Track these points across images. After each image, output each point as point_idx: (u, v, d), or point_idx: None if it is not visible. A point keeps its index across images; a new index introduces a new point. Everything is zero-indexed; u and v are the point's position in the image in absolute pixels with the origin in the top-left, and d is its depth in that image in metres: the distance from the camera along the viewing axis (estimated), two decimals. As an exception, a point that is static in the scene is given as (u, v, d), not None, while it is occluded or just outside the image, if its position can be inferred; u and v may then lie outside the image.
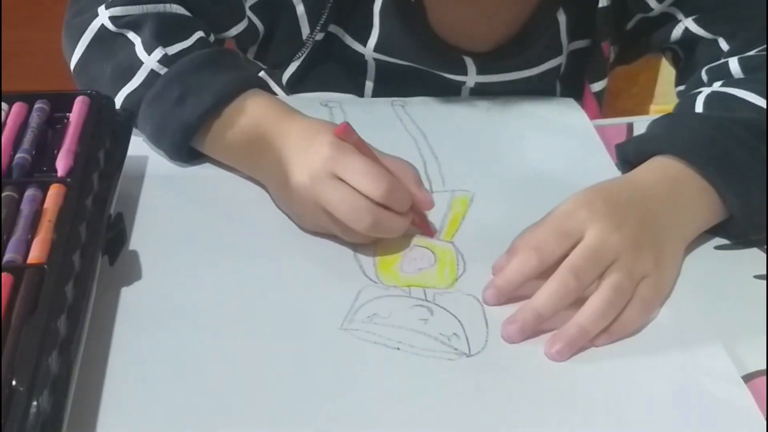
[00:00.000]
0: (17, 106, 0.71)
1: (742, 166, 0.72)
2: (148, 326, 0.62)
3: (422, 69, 0.89)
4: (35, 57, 1.58)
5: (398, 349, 0.62)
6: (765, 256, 0.72)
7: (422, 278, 0.68)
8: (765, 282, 0.69)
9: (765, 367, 0.62)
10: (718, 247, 0.72)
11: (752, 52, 0.83)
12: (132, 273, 0.66)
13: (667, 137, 0.74)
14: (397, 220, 0.68)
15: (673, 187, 0.71)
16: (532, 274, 0.64)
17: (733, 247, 0.73)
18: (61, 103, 0.72)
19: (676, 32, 0.88)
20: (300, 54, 0.90)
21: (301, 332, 0.62)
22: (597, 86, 0.92)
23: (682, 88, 0.88)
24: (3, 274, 0.56)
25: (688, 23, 0.87)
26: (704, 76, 0.85)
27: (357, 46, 0.89)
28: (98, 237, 0.62)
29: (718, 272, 0.70)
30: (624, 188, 0.70)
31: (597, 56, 0.91)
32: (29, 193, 0.63)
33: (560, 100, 0.92)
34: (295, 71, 0.91)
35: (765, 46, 0.84)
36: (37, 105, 0.71)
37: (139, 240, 0.69)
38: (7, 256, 0.58)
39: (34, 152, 0.67)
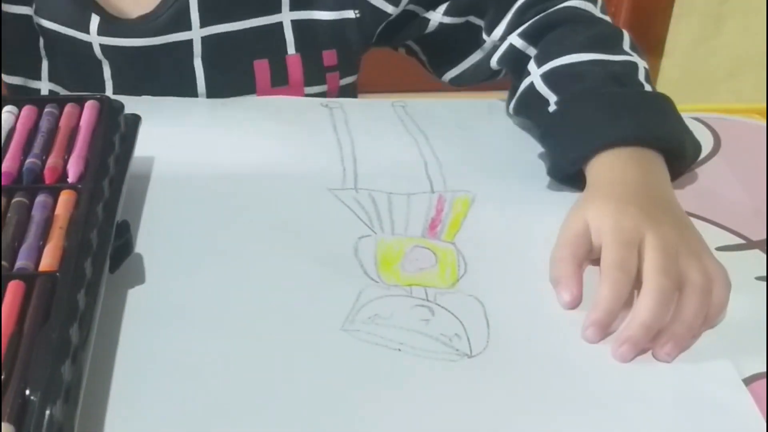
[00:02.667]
0: (27, 110, 0.72)
1: (643, 114, 0.76)
2: (153, 329, 0.63)
3: (61, 33, 0.89)
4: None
5: (399, 350, 0.62)
6: (766, 257, 0.72)
7: (423, 278, 0.68)
8: (765, 283, 0.70)
9: (765, 370, 0.62)
10: (718, 248, 0.72)
11: (524, 25, 0.86)
12: (137, 276, 0.67)
13: (586, 139, 0.75)
14: None
15: (633, 168, 0.73)
16: (625, 293, 0.64)
17: (735, 248, 0.73)
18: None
19: (431, 27, 0.91)
20: None
21: (303, 333, 0.63)
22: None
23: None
24: (15, 282, 0.56)
25: (438, 18, 0.90)
26: (496, 66, 0.89)
27: (23, 9, 0.90)
28: (107, 244, 0.62)
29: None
30: (624, 189, 0.71)
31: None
32: (40, 199, 0.64)
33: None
34: None
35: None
36: (47, 109, 0.72)
37: (144, 243, 0.69)
38: (19, 263, 0.59)
39: (44, 157, 0.67)
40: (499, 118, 0.88)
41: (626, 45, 0.83)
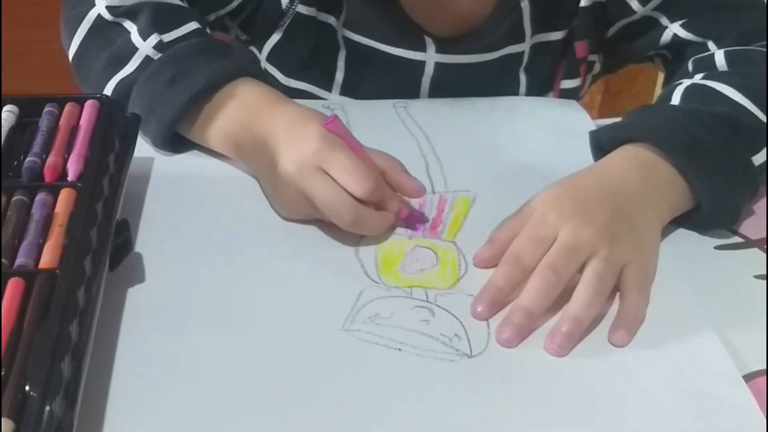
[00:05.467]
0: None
1: (712, 157, 0.73)
2: (153, 328, 0.63)
3: (385, 51, 0.90)
4: (35, 57, 1.58)
5: (399, 350, 0.62)
6: (765, 256, 0.72)
7: (424, 279, 0.68)
8: (765, 282, 0.70)
9: (765, 367, 0.62)
10: (718, 247, 0.73)
11: (739, 48, 0.84)
12: (136, 274, 0.67)
13: (640, 125, 0.76)
14: (378, 218, 0.70)
15: (643, 172, 0.73)
16: (517, 279, 0.66)
17: (734, 247, 0.73)
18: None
19: (665, 37, 0.89)
20: (282, 23, 0.90)
21: (303, 333, 0.63)
22: (567, 84, 0.94)
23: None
24: (15, 279, 0.56)
25: (675, 28, 0.88)
26: (690, 66, 0.86)
27: (330, 19, 0.90)
28: (107, 242, 0.63)
29: (718, 272, 0.71)
30: (593, 181, 0.72)
31: (569, 53, 0.92)
32: (40, 197, 0.64)
33: (562, 101, 0.93)
34: (277, 42, 0.92)
35: (753, 44, 0.84)
36: (47, 108, 0.72)
37: (144, 242, 0.69)
38: (19, 261, 0.59)
39: (44, 156, 0.67)
40: (500, 118, 0.88)
41: None
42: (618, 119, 0.82)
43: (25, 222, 0.62)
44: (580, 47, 0.93)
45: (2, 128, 0.69)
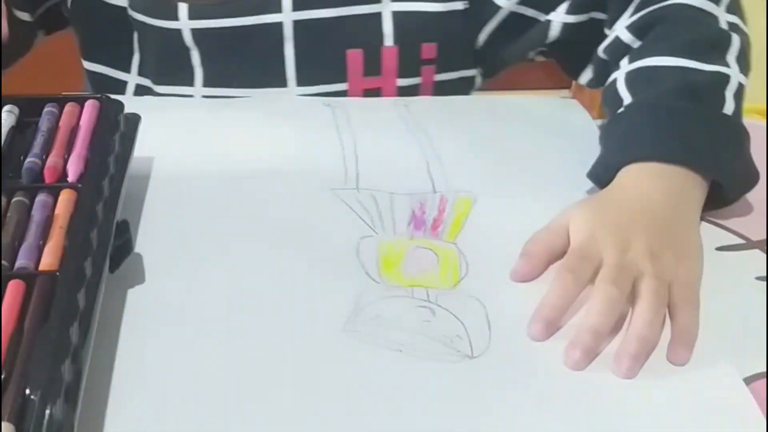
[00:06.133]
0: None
1: (696, 135, 0.74)
2: (153, 328, 0.63)
3: (149, 24, 0.89)
4: (36, 57, 1.58)
5: (400, 351, 0.62)
6: (765, 257, 0.72)
7: (425, 279, 0.68)
8: (765, 284, 0.70)
9: (765, 370, 0.62)
10: (719, 249, 0.73)
11: (638, 16, 0.83)
12: (137, 275, 0.67)
13: (625, 148, 0.75)
14: None
15: (658, 184, 0.72)
16: (572, 294, 0.65)
17: (735, 248, 0.73)
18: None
19: (553, 32, 0.89)
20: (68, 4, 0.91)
21: (304, 334, 0.63)
22: (402, 81, 0.93)
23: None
24: (15, 281, 0.56)
25: (560, 17, 0.88)
26: (603, 56, 0.86)
27: (119, 1, 0.90)
28: (108, 243, 0.63)
29: (719, 274, 0.70)
30: (621, 202, 0.71)
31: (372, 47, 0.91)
32: (40, 198, 0.64)
33: (563, 101, 0.93)
34: (71, 25, 0.92)
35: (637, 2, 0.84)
36: (47, 108, 0.72)
37: (143, 243, 0.69)
38: (19, 263, 0.59)
39: (44, 157, 0.67)
40: (502, 118, 0.88)
41: (731, 54, 0.80)
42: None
43: (25, 223, 0.62)
44: (428, 49, 0.91)
45: (2, 128, 0.69)
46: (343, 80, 0.91)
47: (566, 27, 0.88)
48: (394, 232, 0.72)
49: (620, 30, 0.84)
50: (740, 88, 0.79)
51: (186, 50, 0.89)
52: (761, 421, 0.58)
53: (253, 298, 0.66)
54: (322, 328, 0.63)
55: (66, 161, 0.67)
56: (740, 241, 0.74)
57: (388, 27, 0.89)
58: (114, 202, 0.66)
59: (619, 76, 0.81)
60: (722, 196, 0.75)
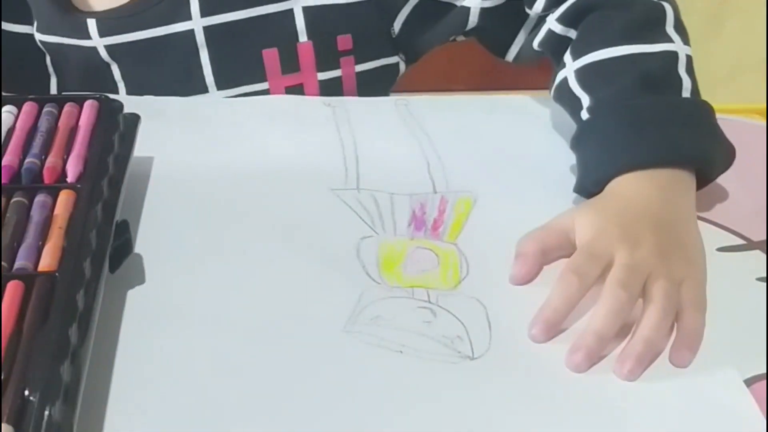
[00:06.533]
0: (28, 106, 0.72)
1: (673, 130, 0.73)
2: (153, 329, 0.62)
3: (59, 43, 0.88)
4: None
5: (401, 352, 0.62)
6: (766, 258, 0.72)
7: (425, 279, 0.68)
8: (766, 285, 0.69)
9: (766, 372, 0.62)
10: (720, 249, 0.73)
11: (562, 7, 0.83)
12: (136, 276, 0.66)
13: (609, 161, 0.74)
14: None
15: (652, 185, 0.72)
16: (576, 298, 0.64)
17: (736, 249, 0.73)
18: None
19: (473, 18, 0.88)
20: None
21: (304, 334, 0.63)
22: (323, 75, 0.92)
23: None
24: (14, 282, 0.56)
25: (471, 3, 0.88)
26: (538, 50, 0.85)
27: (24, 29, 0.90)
28: (107, 244, 0.62)
29: (719, 275, 0.70)
30: (623, 206, 0.70)
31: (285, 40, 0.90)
32: (39, 198, 0.63)
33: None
34: None
35: None
36: (47, 108, 0.72)
37: (143, 243, 0.69)
38: (18, 263, 0.59)
39: (43, 157, 0.67)
40: (502, 117, 0.88)
41: (669, 25, 0.80)
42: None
43: (25, 224, 0.61)
44: (343, 40, 0.91)
45: (2, 129, 0.69)
46: (263, 80, 0.91)
47: (484, 12, 0.88)
48: (395, 232, 0.72)
49: (551, 23, 0.83)
50: (689, 60, 0.79)
51: (106, 65, 0.89)
52: (761, 422, 0.58)
53: (253, 298, 0.66)
54: (323, 328, 0.63)
55: (65, 162, 0.67)
56: (741, 241, 0.74)
57: (300, 23, 0.89)
58: (113, 203, 0.66)
59: (569, 75, 0.80)
60: (702, 178, 0.75)
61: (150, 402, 0.57)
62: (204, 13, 0.87)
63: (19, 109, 0.71)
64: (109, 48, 0.88)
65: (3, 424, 0.48)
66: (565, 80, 0.80)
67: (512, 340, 0.63)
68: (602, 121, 0.76)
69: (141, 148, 0.74)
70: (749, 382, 0.61)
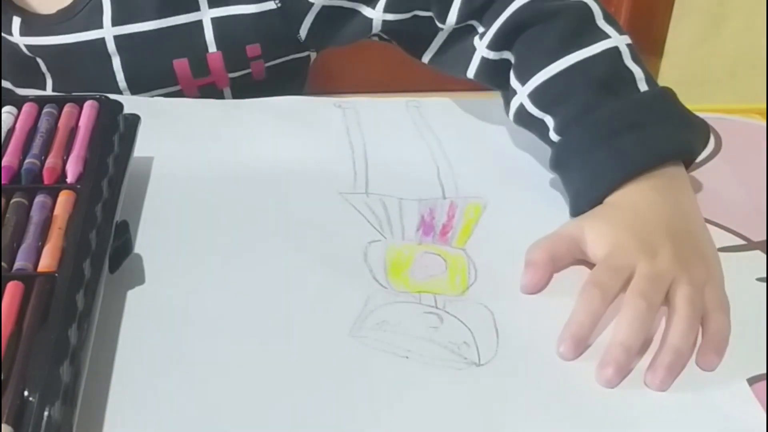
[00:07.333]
0: (28, 107, 0.72)
1: (651, 130, 0.73)
2: (153, 331, 0.62)
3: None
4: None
5: (407, 357, 0.62)
6: (766, 258, 0.72)
7: (433, 285, 0.68)
8: (766, 285, 0.69)
9: (766, 372, 0.62)
10: (720, 250, 0.72)
11: (488, 36, 0.81)
12: (136, 276, 0.66)
13: (599, 181, 0.73)
14: None
15: (654, 192, 0.71)
16: (600, 311, 0.64)
17: (736, 249, 0.73)
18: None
19: (375, 26, 0.88)
20: None
21: (309, 338, 0.63)
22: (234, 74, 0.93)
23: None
24: (14, 283, 0.56)
25: (378, 15, 0.87)
26: (475, 80, 0.83)
27: None
28: (107, 244, 0.62)
29: (719, 275, 0.71)
30: (633, 216, 0.70)
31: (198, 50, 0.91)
32: (39, 199, 0.63)
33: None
34: None
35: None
36: (46, 109, 0.72)
37: (143, 243, 0.69)
38: (18, 264, 0.59)
39: (43, 158, 0.67)
40: (513, 124, 0.87)
41: (600, 19, 0.78)
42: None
43: (24, 224, 0.61)
44: (252, 49, 0.92)
45: (2, 129, 0.69)
46: (175, 84, 0.92)
47: (387, 23, 0.87)
48: (403, 237, 0.72)
49: (483, 51, 0.81)
50: (630, 48, 0.77)
51: (32, 58, 0.91)
52: (762, 422, 0.58)
53: (256, 301, 0.65)
54: (328, 332, 0.63)
55: (65, 162, 0.67)
56: (741, 242, 0.74)
57: (209, 34, 0.90)
58: (113, 203, 0.65)
59: (524, 101, 0.78)
60: (692, 159, 0.76)
61: (150, 402, 0.57)
62: (115, 22, 0.89)
63: (19, 109, 0.71)
64: (28, 47, 0.89)
65: (2, 425, 0.48)
66: (521, 106, 0.78)
67: (519, 347, 0.63)
68: (575, 141, 0.75)
69: (141, 148, 0.74)
70: (749, 383, 0.61)
